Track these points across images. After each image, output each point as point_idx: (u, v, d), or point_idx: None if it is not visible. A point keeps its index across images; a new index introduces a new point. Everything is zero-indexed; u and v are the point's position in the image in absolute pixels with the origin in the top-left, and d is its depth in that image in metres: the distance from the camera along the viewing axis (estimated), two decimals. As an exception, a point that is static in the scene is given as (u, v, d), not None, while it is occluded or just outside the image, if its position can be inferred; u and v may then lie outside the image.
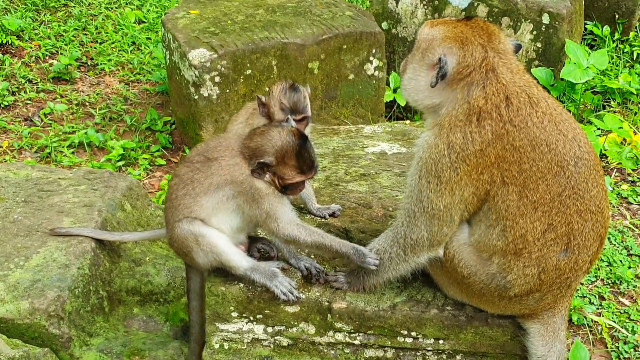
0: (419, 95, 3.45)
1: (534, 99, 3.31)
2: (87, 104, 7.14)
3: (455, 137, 3.27)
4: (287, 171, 3.49)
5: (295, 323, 3.68)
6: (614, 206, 5.94)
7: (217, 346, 3.75)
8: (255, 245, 3.81)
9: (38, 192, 4.67)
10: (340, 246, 3.54)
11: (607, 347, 4.83)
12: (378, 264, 3.52)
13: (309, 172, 3.54)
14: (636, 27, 7.93)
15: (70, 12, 8.54)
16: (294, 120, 3.89)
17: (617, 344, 4.85)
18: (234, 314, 3.69)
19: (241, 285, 3.67)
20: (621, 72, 7.28)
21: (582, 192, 3.32)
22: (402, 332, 3.65)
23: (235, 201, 3.55)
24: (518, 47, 3.48)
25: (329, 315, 3.65)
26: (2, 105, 7.03)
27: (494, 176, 3.28)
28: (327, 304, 3.64)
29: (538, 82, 6.78)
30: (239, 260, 3.60)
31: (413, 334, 3.65)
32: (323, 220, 4.09)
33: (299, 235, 3.53)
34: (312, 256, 3.86)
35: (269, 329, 3.71)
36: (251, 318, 3.70)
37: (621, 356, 4.78)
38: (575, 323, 4.96)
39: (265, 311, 3.67)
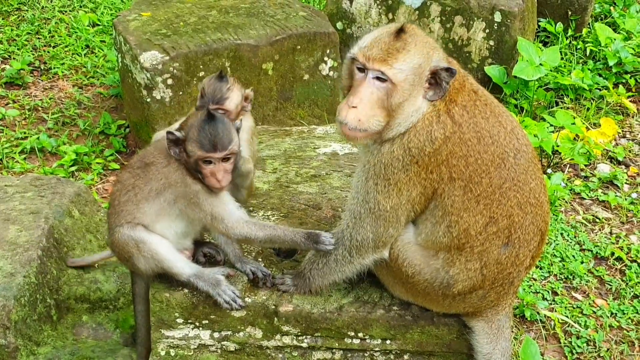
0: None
1: (474, 86, 3.34)
2: (40, 108, 7.04)
3: (418, 139, 3.26)
4: (190, 146, 3.39)
5: (242, 327, 3.66)
6: (566, 202, 5.99)
7: (163, 353, 3.71)
8: (202, 250, 3.78)
9: (-17, 201, 4.60)
10: (293, 234, 3.49)
11: (560, 342, 4.88)
12: (334, 243, 3.48)
13: (211, 150, 3.38)
14: (589, 24, 8.01)
15: (23, 16, 8.41)
16: (210, 109, 3.82)
17: (570, 339, 4.90)
18: (179, 320, 3.66)
19: (185, 291, 3.64)
20: (574, 69, 7.35)
21: (521, 183, 3.34)
22: (349, 333, 3.65)
23: (177, 206, 3.51)
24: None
25: (275, 318, 3.63)
26: (-48, 112, 6.92)
27: (443, 174, 3.28)
28: (273, 307, 3.62)
29: (491, 80, 6.88)
30: (182, 267, 3.56)
31: (360, 335, 3.65)
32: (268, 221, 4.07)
33: (250, 233, 3.48)
34: (260, 259, 3.84)
35: (216, 334, 3.68)
36: (197, 324, 3.67)
37: (574, 351, 4.83)
38: (529, 319, 5.00)
39: (211, 316, 3.64)
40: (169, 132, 3.40)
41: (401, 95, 3.22)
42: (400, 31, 3.26)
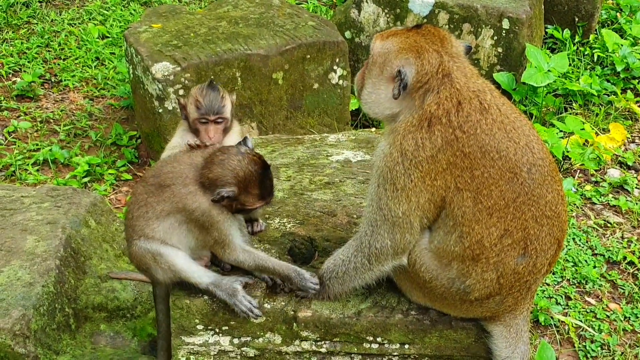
0: (379, 107, 3.47)
1: (485, 105, 3.33)
2: (52, 120, 7.10)
3: (407, 143, 3.30)
4: (249, 199, 3.49)
5: (262, 333, 3.68)
6: (578, 207, 6.01)
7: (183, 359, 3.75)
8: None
9: (1, 211, 4.64)
10: (282, 268, 3.61)
11: (574, 347, 4.89)
12: (318, 289, 3.60)
13: (269, 197, 3.57)
14: (596, 30, 8.05)
15: (33, 29, 8.48)
16: (209, 120, 3.88)
17: (584, 343, 4.91)
18: (200, 327, 3.68)
19: (205, 297, 3.66)
20: (582, 74, 7.39)
21: (536, 197, 3.35)
22: (367, 338, 3.67)
23: (186, 226, 3.55)
24: (468, 49, 3.51)
25: (294, 324, 3.65)
26: (-35, 125, 6.98)
27: (448, 182, 3.30)
28: (292, 313, 3.64)
29: (499, 86, 6.91)
30: (200, 276, 3.59)
31: (379, 339, 3.67)
32: (287, 231, 4.10)
33: (244, 261, 3.59)
34: (277, 266, 3.86)
35: (235, 340, 3.71)
36: (217, 330, 3.69)
37: (588, 355, 4.84)
38: (542, 324, 5.01)
39: (231, 322, 3.66)
40: (223, 196, 3.43)
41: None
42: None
